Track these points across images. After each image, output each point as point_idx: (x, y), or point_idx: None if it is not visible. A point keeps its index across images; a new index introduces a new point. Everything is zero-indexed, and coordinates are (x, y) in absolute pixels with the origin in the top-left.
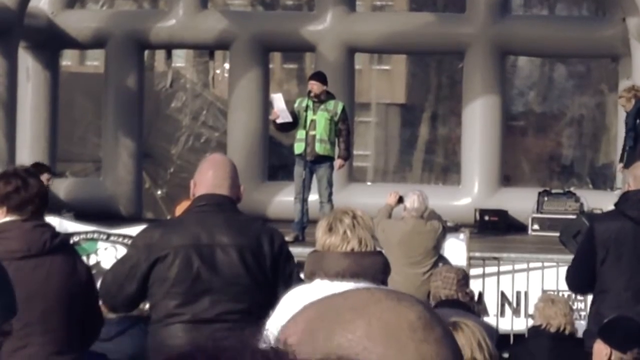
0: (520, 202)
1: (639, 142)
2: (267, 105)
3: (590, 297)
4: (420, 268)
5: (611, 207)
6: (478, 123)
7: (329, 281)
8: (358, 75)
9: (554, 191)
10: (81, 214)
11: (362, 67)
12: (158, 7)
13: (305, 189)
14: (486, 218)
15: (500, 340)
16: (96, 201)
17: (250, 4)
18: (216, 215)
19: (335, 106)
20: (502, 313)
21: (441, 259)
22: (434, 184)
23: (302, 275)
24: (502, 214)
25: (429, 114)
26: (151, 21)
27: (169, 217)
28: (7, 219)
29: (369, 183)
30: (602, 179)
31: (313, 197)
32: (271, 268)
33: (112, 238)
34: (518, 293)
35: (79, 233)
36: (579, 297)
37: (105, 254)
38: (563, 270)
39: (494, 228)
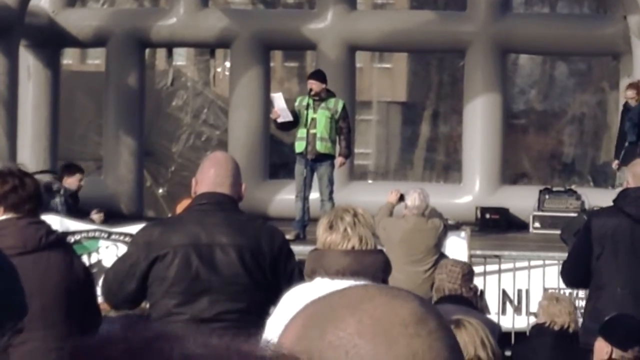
0: (521, 200)
1: None
2: (268, 103)
3: None
4: (421, 266)
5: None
6: (479, 121)
7: (330, 279)
8: (359, 73)
9: (555, 189)
10: (82, 212)
11: (363, 65)
12: (159, 6)
13: (306, 187)
14: (487, 216)
15: (502, 338)
16: (97, 199)
17: (251, 2)
18: (216, 214)
19: (336, 104)
20: (504, 311)
21: (442, 257)
22: (435, 182)
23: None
24: (503, 212)
25: (430, 112)
26: (152, 19)
27: (169, 216)
28: (4, 217)
29: (370, 181)
30: (603, 177)
31: (314, 195)
32: (271, 267)
33: (113, 236)
34: (519, 291)
35: (80, 231)
36: (581, 295)
37: (107, 252)
38: None
39: (495, 226)
